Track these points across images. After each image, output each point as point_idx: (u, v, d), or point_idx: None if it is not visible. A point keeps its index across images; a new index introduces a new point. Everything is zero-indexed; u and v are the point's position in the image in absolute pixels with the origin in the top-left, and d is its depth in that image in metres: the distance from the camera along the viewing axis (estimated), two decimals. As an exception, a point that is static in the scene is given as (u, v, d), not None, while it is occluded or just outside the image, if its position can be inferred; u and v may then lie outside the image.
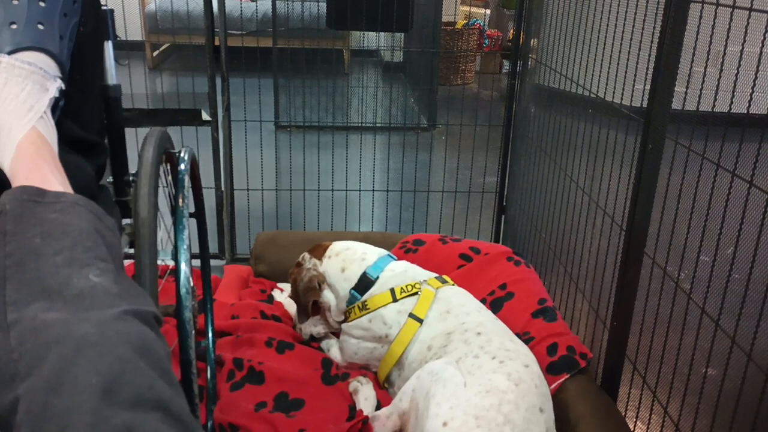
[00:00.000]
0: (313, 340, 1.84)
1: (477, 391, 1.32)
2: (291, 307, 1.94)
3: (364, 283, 1.71)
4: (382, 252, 1.80)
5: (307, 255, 1.81)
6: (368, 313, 1.66)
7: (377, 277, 1.70)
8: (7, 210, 0.71)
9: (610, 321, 1.55)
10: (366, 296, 1.69)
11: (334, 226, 2.59)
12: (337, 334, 1.82)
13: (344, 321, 1.75)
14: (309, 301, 1.75)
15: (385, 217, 2.67)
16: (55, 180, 0.80)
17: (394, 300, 1.65)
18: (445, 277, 1.75)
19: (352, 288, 1.72)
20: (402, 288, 1.66)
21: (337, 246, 1.79)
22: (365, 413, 1.55)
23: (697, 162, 1.24)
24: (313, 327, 1.84)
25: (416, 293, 1.65)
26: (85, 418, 0.56)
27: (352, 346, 1.70)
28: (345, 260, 1.75)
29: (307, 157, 2.58)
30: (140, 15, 5.49)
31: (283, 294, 2.04)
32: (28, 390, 0.59)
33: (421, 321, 1.59)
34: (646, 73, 1.40)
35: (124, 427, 0.57)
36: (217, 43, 2.23)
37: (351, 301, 1.72)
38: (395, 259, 1.78)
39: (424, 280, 1.68)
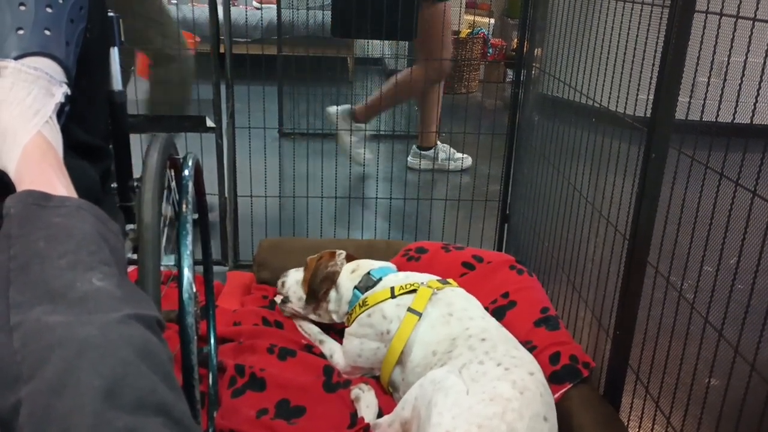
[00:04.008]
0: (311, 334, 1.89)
1: (480, 399, 1.31)
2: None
3: (366, 282, 1.77)
4: (392, 266, 1.88)
5: (344, 254, 1.90)
6: (368, 308, 1.69)
7: (380, 278, 1.76)
8: (12, 213, 0.72)
9: (612, 330, 1.54)
10: (366, 294, 1.73)
11: (337, 234, 2.59)
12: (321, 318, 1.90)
13: (347, 326, 1.76)
14: (320, 290, 1.84)
15: (388, 224, 2.67)
16: (60, 184, 0.80)
17: (393, 296, 1.68)
18: (449, 279, 1.76)
19: (355, 286, 1.78)
20: (401, 286, 1.70)
21: (360, 260, 1.89)
22: (366, 421, 1.55)
23: (700, 171, 1.24)
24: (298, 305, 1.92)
25: (414, 290, 1.67)
26: (87, 421, 0.57)
27: (356, 347, 1.70)
28: (359, 265, 1.85)
29: (310, 164, 2.58)
30: (146, 22, 5.51)
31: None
32: (30, 392, 0.59)
33: (419, 314, 1.60)
34: (650, 83, 1.40)
35: (125, 430, 0.57)
36: (222, 50, 2.24)
37: (352, 301, 1.76)
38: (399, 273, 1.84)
39: (423, 282, 1.70)
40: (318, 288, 1.83)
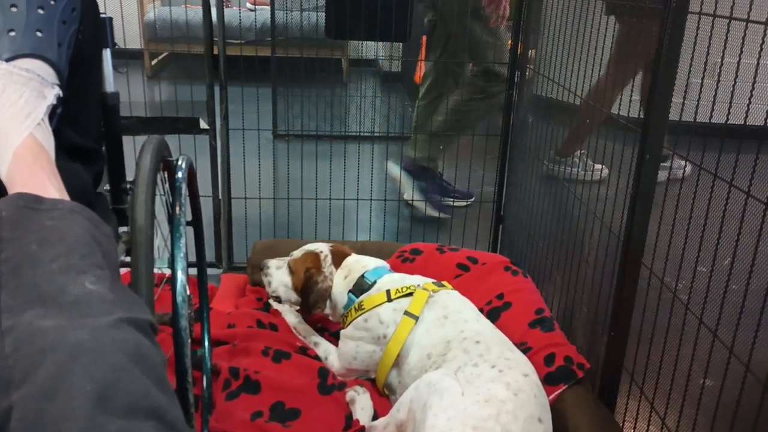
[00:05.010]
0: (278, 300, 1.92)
1: (475, 400, 1.31)
2: (288, 314, 1.94)
3: (361, 286, 1.74)
4: (384, 264, 1.84)
5: (329, 256, 1.83)
6: (364, 312, 1.67)
7: (374, 281, 1.73)
8: (3, 216, 0.71)
9: (607, 331, 1.55)
10: (362, 297, 1.71)
11: (332, 236, 2.58)
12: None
13: (342, 328, 1.75)
14: (314, 309, 1.80)
15: (383, 226, 2.66)
16: (52, 187, 0.80)
17: (389, 300, 1.66)
18: (443, 282, 1.75)
19: (350, 291, 1.75)
20: (397, 289, 1.68)
21: (350, 259, 1.83)
22: (362, 423, 1.54)
23: (694, 172, 1.24)
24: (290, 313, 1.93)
25: (411, 294, 1.66)
26: (79, 425, 0.56)
27: (351, 349, 1.69)
28: (350, 270, 1.80)
29: (304, 166, 2.57)
30: (139, 23, 5.50)
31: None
32: (22, 397, 0.58)
33: (416, 318, 1.60)
34: (644, 84, 1.41)
35: (118, 435, 0.56)
36: (215, 52, 2.23)
37: (348, 305, 1.74)
38: (393, 273, 1.81)
39: (419, 284, 1.69)
40: (313, 307, 1.80)
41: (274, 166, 3.24)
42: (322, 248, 1.86)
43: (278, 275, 1.89)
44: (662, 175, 3.07)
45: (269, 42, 4.29)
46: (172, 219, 1.20)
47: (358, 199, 2.54)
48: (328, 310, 1.82)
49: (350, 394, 1.63)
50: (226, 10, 5.19)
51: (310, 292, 1.79)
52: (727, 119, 1.14)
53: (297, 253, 1.88)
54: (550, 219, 2.03)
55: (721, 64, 1.17)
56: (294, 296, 1.86)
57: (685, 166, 1.21)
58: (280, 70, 4.16)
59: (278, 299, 1.90)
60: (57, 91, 0.93)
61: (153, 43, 5.53)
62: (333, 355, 1.77)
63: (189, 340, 1.12)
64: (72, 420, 0.56)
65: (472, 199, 3.04)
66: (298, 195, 2.50)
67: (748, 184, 1.09)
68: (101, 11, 1.24)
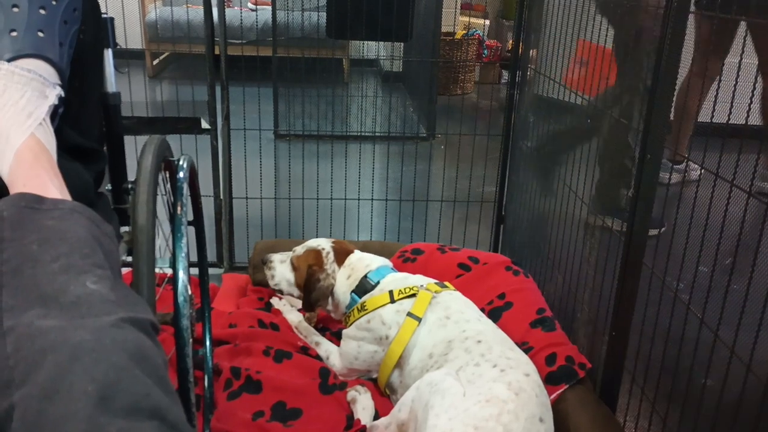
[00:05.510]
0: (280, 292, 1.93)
1: (477, 400, 1.31)
2: (289, 313, 1.94)
3: (364, 286, 1.74)
4: (387, 263, 1.83)
5: (332, 253, 1.83)
6: (367, 313, 1.67)
7: (377, 282, 1.73)
8: (4, 216, 0.71)
9: (608, 331, 1.54)
10: (365, 298, 1.71)
11: (333, 235, 2.58)
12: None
13: (344, 327, 1.76)
14: (316, 306, 1.80)
15: (384, 226, 2.66)
16: (53, 187, 0.80)
17: (392, 301, 1.66)
18: (446, 283, 1.75)
19: (352, 291, 1.75)
20: (400, 290, 1.67)
21: (353, 257, 1.83)
22: (363, 423, 1.54)
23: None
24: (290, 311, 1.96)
25: (414, 295, 1.66)
26: (80, 426, 0.56)
27: (353, 349, 1.69)
28: (353, 269, 1.79)
29: (306, 166, 2.58)
30: (140, 23, 5.51)
31: (281, 301, 2.03)
32: (23, 397, 0.58)
33: (419, 319, 1.60)
34: (645, 84, 1.40)
35: (119, 435, 0.56)
36: (217, 52, 2.24)
37: (350, 305, 1.74)
38: (396, 272, 1.80)
39: (422, 285, 1.69)
40: (314, 303, 1.80)
41: (275, 165, 3.25)
42: (324, 245, 1.85)
43: (281, 269, 1.88)
44: (676, 177, 2.90)
45: (270, 42, 4.28)
46: (173, 219, 1.20)
47: (359, 199, 2.54)
48: (329, 308, 1.82)
49: (351, 393, 1.63)
50: (228, 10, 5.19)
51: (312, 289, 1.78)
52: (729, 119, 1.14)
53: (299, 250, 1.88)
54: (551, 218, 2.03)
55: (723, 64, 1.17)
56: (296, 292, 1.86)
57: (701, 168, 1.19)
58: (281, 70, 4.16)
59: (281, 292, 1.90)
60: (58, 91, 0.93)
61: (154, 43, 5.53)
62: (334, 355, 1.77)
63: (190, 340, 1.12)
64: (73, 420, 0.56)
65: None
66: (300, 195, 2.50)
67: (750, 183, 1.09)
68: (103, 11, 1.24)
